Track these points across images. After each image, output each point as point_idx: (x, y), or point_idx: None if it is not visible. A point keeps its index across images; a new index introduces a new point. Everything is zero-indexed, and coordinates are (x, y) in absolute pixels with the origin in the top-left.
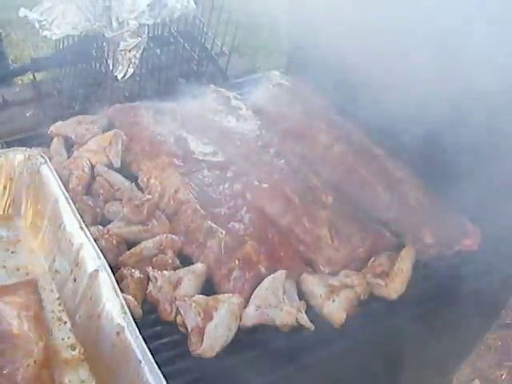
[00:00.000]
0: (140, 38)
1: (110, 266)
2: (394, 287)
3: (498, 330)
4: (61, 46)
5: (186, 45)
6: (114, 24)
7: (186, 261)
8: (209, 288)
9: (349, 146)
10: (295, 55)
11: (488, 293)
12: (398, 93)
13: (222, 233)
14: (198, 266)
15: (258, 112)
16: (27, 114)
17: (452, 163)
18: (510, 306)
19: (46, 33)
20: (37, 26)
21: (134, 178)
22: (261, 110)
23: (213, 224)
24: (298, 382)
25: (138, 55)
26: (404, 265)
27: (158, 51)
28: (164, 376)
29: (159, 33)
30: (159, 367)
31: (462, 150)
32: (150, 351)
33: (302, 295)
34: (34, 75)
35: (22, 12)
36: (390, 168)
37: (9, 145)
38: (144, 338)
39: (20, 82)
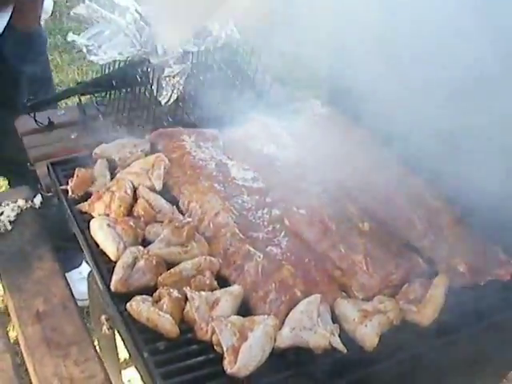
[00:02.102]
0: (184, 65)
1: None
2: (426, 313)
3: None
4: (106, 71)
5: (229, 72)
6: (160, 50)
7: (223, 283)
8: (245, 310)
9: (386, 174)
10: (336, 87)
11: None
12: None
13: (259, 256)
14: (236, 288)
15: (298, 140)
16: (72, 136)
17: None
18: None
19: (93, 57)
20: (84, 50)
21: (175, 202)
22: (301, 138)
23: (251, 248)
24: None
25: (181, 81)
26: (437, 291)
27: (202, 78)
28: None
29: (203, 60)
30: None
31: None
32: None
33: (335, 319)
34: (79, 98)
35: (71, 37)
36: (426, 197)
37: (53, 165)
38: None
39: (65, 105)
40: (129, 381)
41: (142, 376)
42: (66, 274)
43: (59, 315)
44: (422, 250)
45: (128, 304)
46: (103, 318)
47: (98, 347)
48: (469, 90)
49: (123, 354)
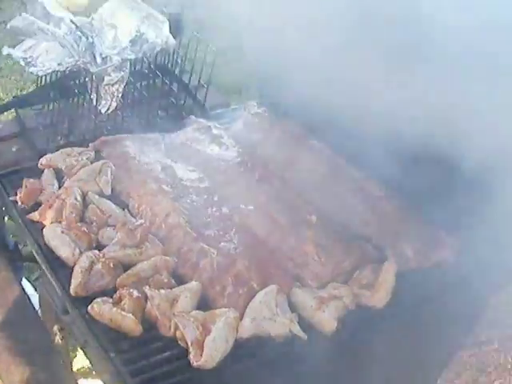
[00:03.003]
0: (123, 73)
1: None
2: (379, 297)
3: (473, 348)
4: (43, 82)
5: (165, 79)
6: (98, 59)
7: (180, 281)
8: (204, 306)
9: (327, 169)
10: (266, 88)
11: (463, 303)
12: (369, 118)
13: (213, 253)
14: (194, 284)
15: (238, 140)
16: (13, 149)
17: (428, 178)
18: (484, 324)
19: (32, 69)
20: (22, 63)
21: (124, 206)
22: (241, 138)
23: (204, 245)
24: None
25: (120, 89)
26: (387, 276)
27: (139, 86)
28: None
29: (140, 68)
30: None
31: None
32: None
33: (292, 308)
34: (17, 112)
35: (6, 50)
36: (367, 188)
37: (0, 178)
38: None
39: (3, 119)
40: None
41: (108, 377)
42: None
43: (19, 324)
44: (369, 237)
45: (89, 306)
46: (55, 328)
47: None
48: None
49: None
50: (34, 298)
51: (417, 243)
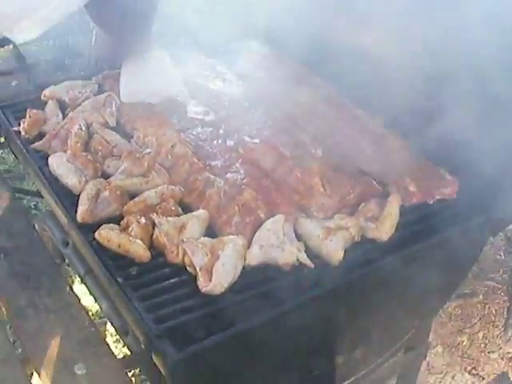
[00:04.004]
0: None
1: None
2: (384, 229)
3: (458, 300)
4: None
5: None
6: None
7: (186, 210)
8: (210, 235)
9: (331, 105)
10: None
11: (463, 237)
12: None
13: (220, 182)
14: (201, 212)
15: (242, 76)
16: (12, 84)
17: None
18: (469, 277)
19: None
20: None
21: (129, 138)
22: (245, 75)
23: (211, 175)
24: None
25: None
26: (392, 209)
27: None
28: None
29: None
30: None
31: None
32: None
33: (299, 238)
34: (16, 46)
35: None
36: (370, 125)
37: (2, 109)
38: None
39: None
40: None
41: (115, 303)
42: None
43: (25, 249)
44: (373, 173)
45: (97, 232)
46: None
47: None
48: None
49: None
50: None
51: (419, 180)
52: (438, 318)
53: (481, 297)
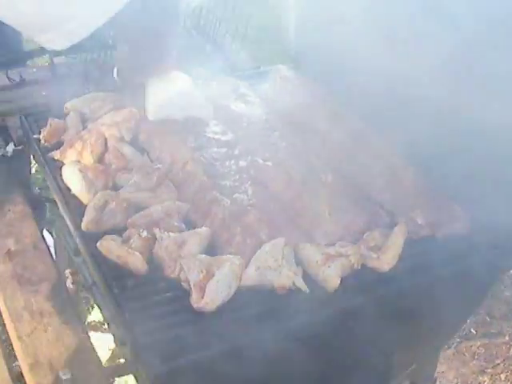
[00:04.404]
0: None
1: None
2: (385, 259)
3: (483, 339)
4: None
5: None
6: None
7: (191, 227)
8: (211, 254)
9: (348, 133)
10: (301, 53)
11: (472, 275)
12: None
13: (227, 202)
14: (203, 229)
15: (265, 99)
16: (43, 93)
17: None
18: (496, 316)
19: None
20: None
21: (145, 154)
22: (268, 98)
23: (218, 194)
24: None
25: None
26: (396, 239)
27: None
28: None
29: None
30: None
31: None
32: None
33: (298, 263)
34: (51, 58)
35: None
36: (386, 153)
37: (26, 117)
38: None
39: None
40: None
41: (109, 313)
42: None
43: (30, 254)
44: (383, 202)
45: (99, 242)
46: (67, 271)
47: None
48: None
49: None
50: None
51: (429, 213)
52: (460, 356)
53: (507, 338)
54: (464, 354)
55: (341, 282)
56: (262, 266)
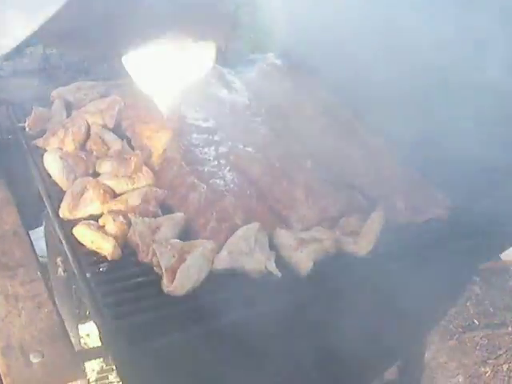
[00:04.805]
0: None
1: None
2: (362, 245)
3: (486, 329)
4: None
5: None
6: None
7: (168, 212)
8: (188, 239)
9: (332, 119)
10: (291, 41)
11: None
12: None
13: (203, 187)
14: (178, 215)
15: (250, 86)
16: (35, 84)
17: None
18: (500, 307)
19: None
20: None
21: (128, 141)
22: (253, 85)
23: (195, 180)
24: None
25: None
26: (373, 225)
27: None
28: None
29: None
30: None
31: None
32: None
33: (273, 248)
34: (43, 49)
35: None
36: (368, 141)
37: (13, 106)
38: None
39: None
40: (87, 335)
41: (84, 296)
42: (30, 232)
43: (9, 240)
44: (363, 187)
45: (74, 228)
46: (58, 260)
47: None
48: None
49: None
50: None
51: (410, 198)
52: (463, 346)
53: (510, 328)
54: (466, 345)
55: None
56: (235, 251)
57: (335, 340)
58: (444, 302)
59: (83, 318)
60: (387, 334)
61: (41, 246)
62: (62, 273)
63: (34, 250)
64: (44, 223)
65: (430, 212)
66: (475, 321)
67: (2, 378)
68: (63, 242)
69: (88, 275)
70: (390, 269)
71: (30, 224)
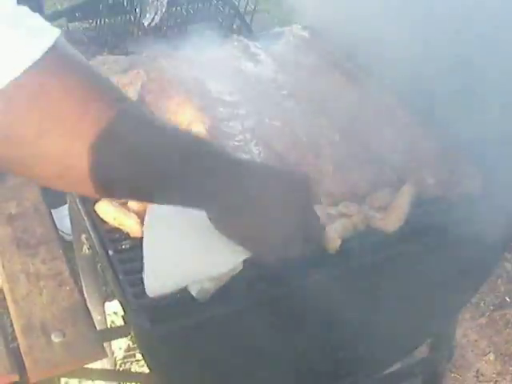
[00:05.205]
0: None
1: None
2: (390, 221)
3: None
4: None
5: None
6: None
7: None
8: None
9: (359, 92)
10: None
11: (487, 235)
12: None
13: None
14: None
15: (275, 59)
16: None
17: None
18: None
19: None
20: None
21: None
22: (279, 57)
23: None
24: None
25: (164, 3)
26: (402, 200)
27: (186, 5)
28: None
29: None
30: None
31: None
32: None
33: None
34: (66, 24)
35: None
36: (398, 114)
37: None
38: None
39: None
40: (114, 312)
41: (107, 274)
42: (53, 210)
43: (30, 217)
44: (392, 162)
45: (96, 204)
46: (83, 237)
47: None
48: None
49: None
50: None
51: (440, 172)
52: (494, 324)
53: None
54: (497, 323)
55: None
56: None
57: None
58: (475, 278)
59: (110, 296)
60: (418, 312)
61: (66, 224)
62: (87, 250)
63: (55, 227)
64: (68, 201)
65: (462, 186)
66: (507, 298)
67: (24, 357)
68: (85, 218)
69: (110, 252)
70: (418, 245)
71: (53, 202)
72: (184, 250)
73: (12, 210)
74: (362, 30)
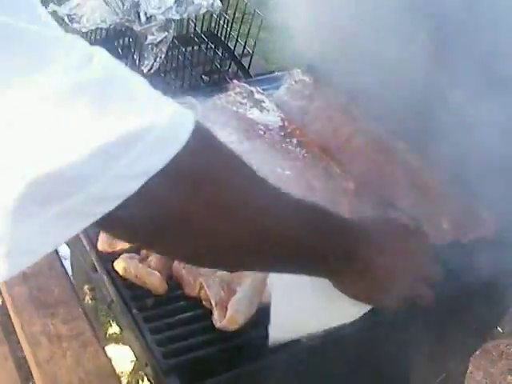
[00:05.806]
0: (167, 33)
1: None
2: None
3: (511, 337)
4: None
5: (210, 43)
6: (142, 18)
7: None
8: None
9: (368, 138)
10: (315, 56)
11: (498, 283)
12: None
13: None
14: None
15: (280, 105)
16: None
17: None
18: None
19: (75, 25)
20: (66, 19)
21: None
22: (283, 104)
23: None
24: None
25: (164, 49)
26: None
27: (184, 50)
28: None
29: (185, 32)
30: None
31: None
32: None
33: None
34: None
35: (52, 7)
36: (408, 159)
37: None
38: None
39: None
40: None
41: (129, 333)
42: None
43: (45, 276)
44: (406, 209)
45: (115, 262)
46: (86, 288)
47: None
48: None
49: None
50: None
51: (455, 218)
52: (488, 355)
53: None
54: (492, 354)
55: None
56: None
57: None
58: (491, 322)
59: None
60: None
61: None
62: (90, 301)
63: (72, 285)
64: (70, 251)
65: (477, 232)
66: (499, 329)
67: None
68: (103, 277)
69: (134, 311)
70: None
71: None
72: (308, 303)
73: (26, 268)
74: (362, 72)
